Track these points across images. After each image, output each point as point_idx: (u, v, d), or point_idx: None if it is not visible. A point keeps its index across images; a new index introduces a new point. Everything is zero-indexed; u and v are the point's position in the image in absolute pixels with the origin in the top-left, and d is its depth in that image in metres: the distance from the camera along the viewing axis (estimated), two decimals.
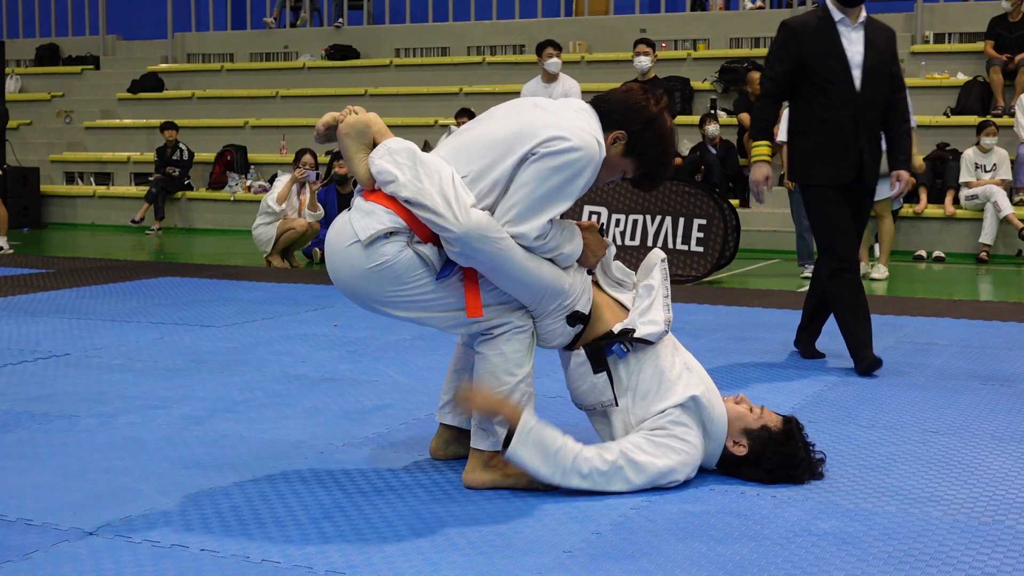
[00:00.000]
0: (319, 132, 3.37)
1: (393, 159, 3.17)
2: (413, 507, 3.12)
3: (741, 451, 3.33)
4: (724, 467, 3.39)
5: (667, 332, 3.34)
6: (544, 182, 3.12)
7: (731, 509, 3.11)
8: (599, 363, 3.30)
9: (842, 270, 5.09)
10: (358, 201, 3.25)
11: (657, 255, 3.49)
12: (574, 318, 3.32)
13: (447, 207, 3.07)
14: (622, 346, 3.30)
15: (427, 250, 3.16)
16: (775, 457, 3.31)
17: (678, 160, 11.25)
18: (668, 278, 3.45)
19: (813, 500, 3.19)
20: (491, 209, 3.15)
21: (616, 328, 3.32)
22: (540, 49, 10.27)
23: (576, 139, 3.13)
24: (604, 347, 3.31)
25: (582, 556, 2.76)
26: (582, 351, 3.33)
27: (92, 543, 2.84)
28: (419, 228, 3.14)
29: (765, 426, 3.34)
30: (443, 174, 3.14)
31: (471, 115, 12.07)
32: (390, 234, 3.14)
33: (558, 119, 3.18)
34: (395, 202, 3.16)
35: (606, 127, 3.25)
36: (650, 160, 3.30)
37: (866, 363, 4.98)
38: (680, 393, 3.27)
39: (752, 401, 3.47)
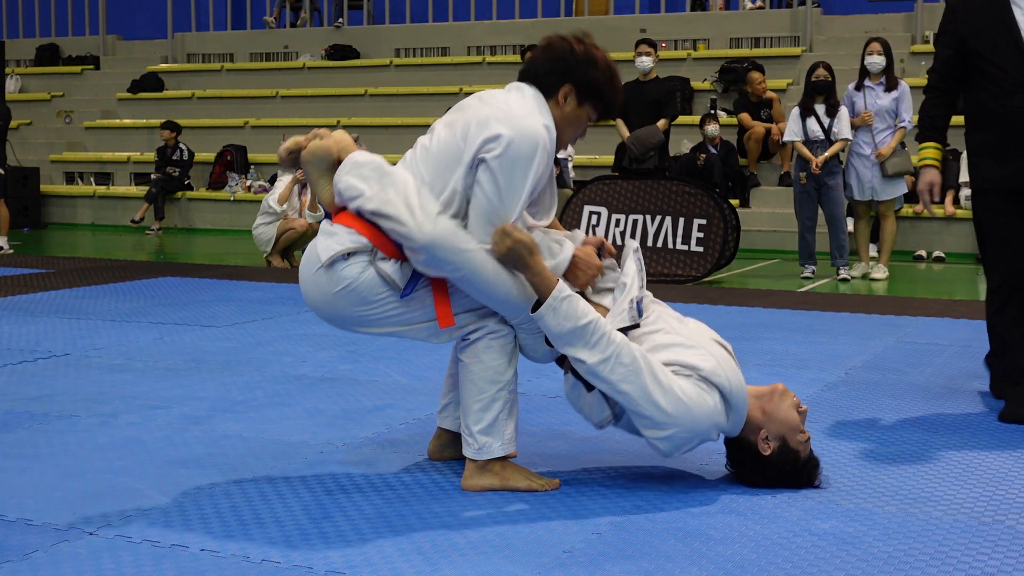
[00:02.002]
0: (282, 157, 3.39)
1: (359, 173, 3.18)
2: (413, 507, 3.12)
3: (766, 450, 3.25)
4: (735, 449, 3.32)
5: (636, 312, 3.21)
6: (497, 182, 3.08)
7: (731, 509, 3.11)
8: (587, 382, 3.19)
9: (1008, 301, 4.26)
10: (324, 225, 3.28)
11: (630, 246, 3.39)
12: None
13: (411, 216, 3.07)
14: None
15: (389, 268, 3.15)
16: (781, 478, 3.27)
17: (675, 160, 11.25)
18: (643, 268, 3.35)
19: (813, 500, 3.19)
20: (458, 218, 3.14)
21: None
22: (522, 54, 10.27)
23: (512, 130, 3.08)
24: None
25: (582, 556, 2.76)
26: (569, 376, 3.23)
27: (92, 543, 2.84)
28: (383, 244, 3.15)
29: (798, 452, 3.27)
30: (408, 185, 3.14)
31: None
32: (350, 255, 3.15)
33: (494, 111, 3.15)
34: (358, 221, 3.17)
35: (549, 91, 3.22)
36: (605, 95, 3.27)
37: (1009, 412, 4.19)
38: (688, 365, 3.16)
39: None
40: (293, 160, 3.37)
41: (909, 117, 8.85)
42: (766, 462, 3.27)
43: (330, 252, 3.16)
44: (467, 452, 3.29)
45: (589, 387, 3.19)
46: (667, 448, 3.19)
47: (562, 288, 3.10)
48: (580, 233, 3.43)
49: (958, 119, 4.47)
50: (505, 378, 3.25)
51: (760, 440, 3.26)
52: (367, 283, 3.16)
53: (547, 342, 3.24)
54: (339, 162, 3.27)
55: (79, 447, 3.73)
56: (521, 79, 3.30)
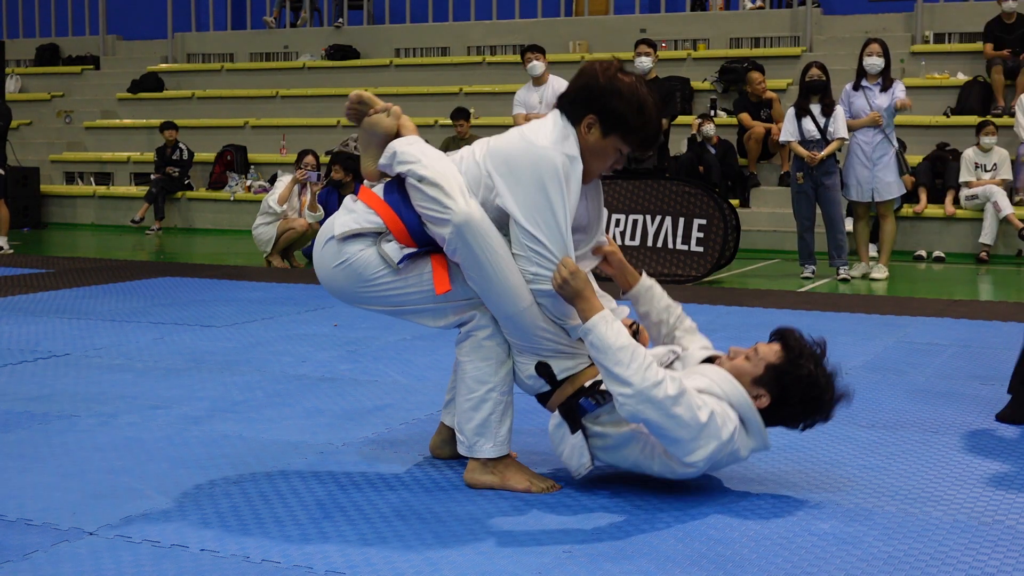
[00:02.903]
0: (350, 105, 3.39)
1: (421, 147, 3.26)
2: (413, 507, 3.12)
3: (764, 403, 3.16)
4: (779, 423, 3.24)
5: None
6: (524, 224, 3.12)
7: (731, 509, 3.11)
8: (573, 422, 3.18)
9: None
10: (347, 200, 3.35)
11: (676, 351, 3.42)
12: (542, 369, 3.23)
13: (460, 194, 3.13)
14: (590, 399, 3.16)
15: (390, 248, 3.20)
16: (797, 388, 3.15)
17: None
18: (672, 363, 3.34)
19: (813, 500, 3.20)
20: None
21: (587, 383, 3.21)
22: (522, 54, 10.27)
23: (525, 161, 3.13)
24: (576, 404, 3.18)
25: (582, 556, 2.76)
26: (556, 414, 3.22)
27: (92, 543, 2.84)
28: (396, 228, 3.21)
29: (768, 365, 3.17)
30: (461, 177, 3.22)
31: (467, 116, 12.06)
32: (358, 235, 3.22)
33: (514, 140, 3.21)
34: (380, 203, 3.24)
35: (576, 120, 3.21)
36: (632, 127, 3.20)
37: (1007, 412, 4.21)
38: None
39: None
40: (358, 114, 3.40)
41: (904, 95, 8.91)
42: (780, 400, 3.16)
43: (345, 228, 3.24)
44: (460, 450, 3.33)
45: (573, 429, 3.18)
46: (703, 466, 3.09)
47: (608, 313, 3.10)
48: (624, 308, 3.43)
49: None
50: (495, 380, 3.25)
51: (756, 403, 3.16)
52: (363, 261, 3.22)
53: (538, 371, 3.23)
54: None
55: (79, 447, 3.73)
56: (556, 106, 3.30)
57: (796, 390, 3.16)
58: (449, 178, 3.15)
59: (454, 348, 3.57)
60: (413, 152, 3.22)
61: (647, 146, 3.28)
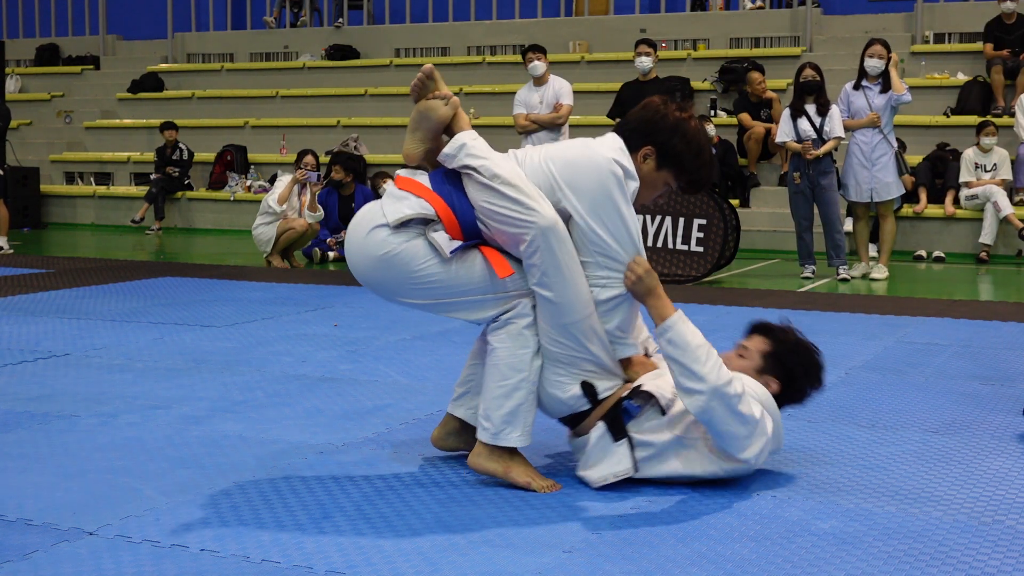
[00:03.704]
0: (426, 73, 3.37)
1: (486, 145, 3.28)
2: (413, 507, 3.12)
3: (775, 388, 3.33)
4: (793, 404, 3.46)
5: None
6: (594, 228, 3.19)
7: (731, 509, 3.12)
8: (618, 429, 3.22)
9: None
10: (390, 188, 3.34)
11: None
12: (587, 388, 3.26)
13: (540, 198, 3.17)
14: (632, 401, 3.22)
15: (440, 237, 3.20)
16: (797, 359, 3.36)
17: None
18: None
19: (813, 500, 3.20)
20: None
21: (624, 393, 3.27)
22: (523, 54, 10.28)
23: (584, 170, 3.20)
24: (620, 408, 3.23)
25: (582, 556, 2.76)
26: (601, 424, 3.25)
27: (92, 543, 2.84)
28: (448, 218, 3.21)
29: (764, 353, 3.36)
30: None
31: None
32: (408, 222, 3.21)
33: (575, 148, 3.29)
34: (426, 190, 3.24)
35: (633, 147, 3.28)
36: (687, 167, 3.31)
37: None
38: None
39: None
40: (422, 90, 3.38)
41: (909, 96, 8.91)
42: (788, 380, 3.36)
43: (399, 215, 3.21)
44: (482, 436, 3.28)
45: (617, 436, 3.22)
46: (755, 461, 3.22)
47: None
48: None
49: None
50: (529, 369, 3.25)
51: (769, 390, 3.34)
52: (411, 251, 3.21)
53: (581, 387, 3.26)
54: (440, 134, 3.34)
55: (79, 447, 3.73)
56: (615, 131, 3.36)
57: (797, 362, 3.38)
58: (525, 180, 3.19)
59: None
60: (482, 148, 3.25)
61: (695, 189, 3.40)
